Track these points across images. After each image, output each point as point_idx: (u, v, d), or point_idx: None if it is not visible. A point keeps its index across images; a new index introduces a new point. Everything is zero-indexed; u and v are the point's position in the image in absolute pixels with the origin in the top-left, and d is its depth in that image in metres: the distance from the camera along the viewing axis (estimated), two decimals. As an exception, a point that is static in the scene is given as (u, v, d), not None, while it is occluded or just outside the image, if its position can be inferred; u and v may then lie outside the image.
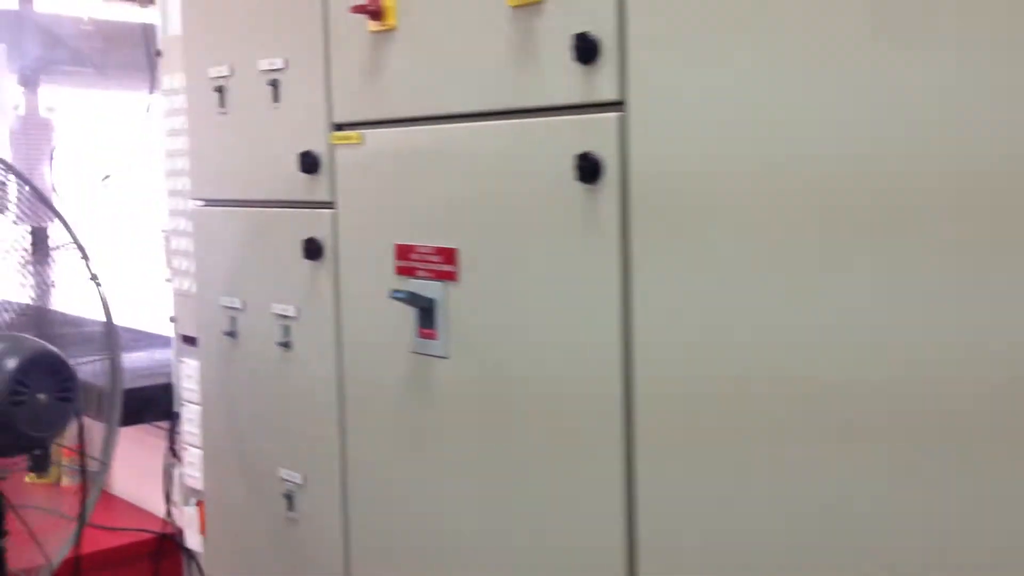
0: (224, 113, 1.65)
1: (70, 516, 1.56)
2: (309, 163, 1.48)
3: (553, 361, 1.18)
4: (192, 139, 1.74)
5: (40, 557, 1.59)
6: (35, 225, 1.85)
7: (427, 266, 1.33)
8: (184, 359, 2.24)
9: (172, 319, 2.27)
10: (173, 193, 2.18)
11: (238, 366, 1.67)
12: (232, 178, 1.65)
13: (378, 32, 1.36)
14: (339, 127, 1.45)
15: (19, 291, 1.70)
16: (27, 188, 1.72)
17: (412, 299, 1.32)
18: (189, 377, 2.24)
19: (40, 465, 1.26)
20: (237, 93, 1.62)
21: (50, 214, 1.68)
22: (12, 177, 1.57)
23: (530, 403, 1.21)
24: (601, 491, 1.13)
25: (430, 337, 1.33)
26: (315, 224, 1.50)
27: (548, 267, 1.17)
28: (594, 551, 1.14)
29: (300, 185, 1.51)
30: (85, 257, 1.63)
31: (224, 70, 1.63)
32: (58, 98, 3.91)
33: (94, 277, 1.63)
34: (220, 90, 1.64)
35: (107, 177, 2.92)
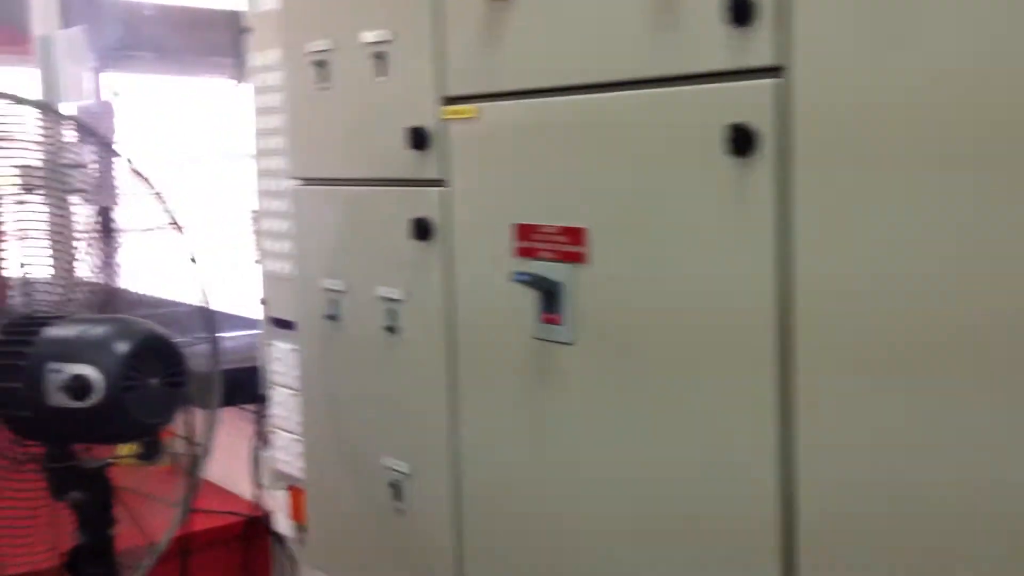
0: (325, 89, 1.58)
1: (173, 502, 1.53)
2: (418, 139, 1.41)
3: (689, 334, 1.10)
4: (290, 117, 1.68)
5: (142, 540, 1.56)
6: (115, 206, 1.82)
7: (551, 247, 1.25)
8: (274, 342, 2.21)
9: (262, 301, 2.23)
10: (264, 173, 2.13)
11: (340, 350, 1.62)
12: (333, 156, 1.59)
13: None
14: (451, 100, 1.38)
15: (107, 272, 1.66)
16: (117, 169, 1.69)
17: (536, 282, 1.24)
18: (279, 360, 2.21)
19: (150, 453, 1.22)
20: (339, 67, 1.55)
21: (144, 193, 1.64)
22: (111, 157, 1.53)
23: (665, 394, 1.13)
24: (756, 487, 1.04)
25: (554, 322, 1.25)
26: (424, 203, 1.43)
27: (692, 249, 1.08)
28: (746, 540, 1.06)
29: (408, 162, 1.44)
30: (183, 238, 1.58)
31: (325, 44, 1.57)
32: (123, 83, 3.91)
33: (192, 259, 1.58)
34: (321, 65, 1.58)
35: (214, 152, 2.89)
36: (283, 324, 2.16)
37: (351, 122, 1.54)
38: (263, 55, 2.10)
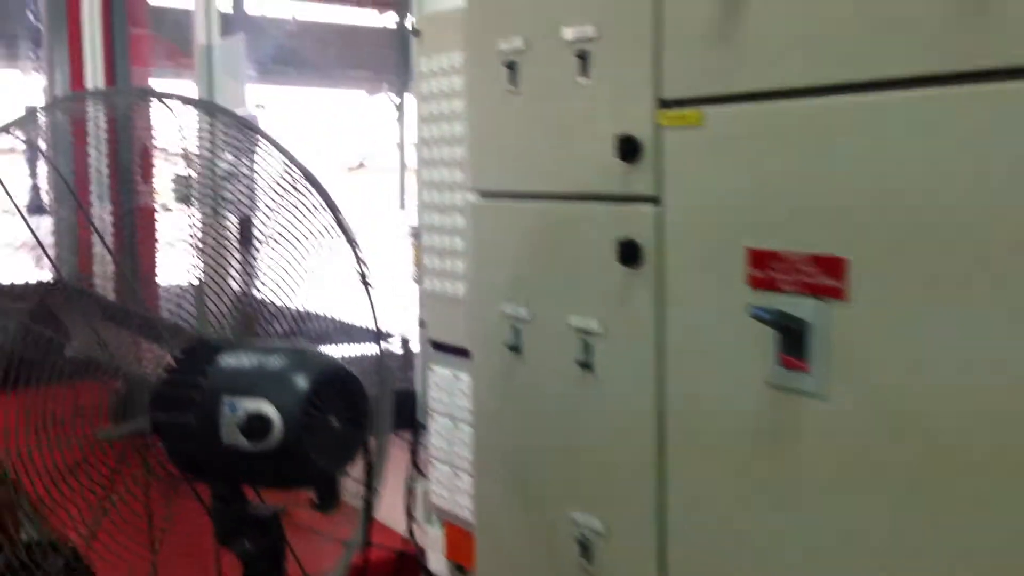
0: (515, 92, 1.42)
1: (342, 541, 1.40)
2: (629, 149, 1.23)
3: (991, 421, 0.87)
4: (472, 124, 1.53)
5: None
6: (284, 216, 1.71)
7: (797, 278, 1.05)
8: (434, 366, 2.07)
9: (422, 323, 2.10)
10: (427, 185, 2.00)
11: (522, 384, 1.45)
12: (523, 167, 1.43)
13: (734, -16, 1.09)
14: (669, 104, 1.19)
15: (266, 287, 1.55)
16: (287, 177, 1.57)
17: (780, 320, 1.04)
18: (438, 386, 2.07)
19: (327, 500, 1.08)
20: (533, 68, 1.39)
21: (315, 204, 1.52)
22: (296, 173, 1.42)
23: (951, 471, 0.91)
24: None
25: (799, 368, 1.04)
26: (632, 222, 1.24)
27: (1008, 295, 0.86)
28: None
29: (614, 176, 1.26)
30: (358, 253, 1.45)
31: (518, 43, 1.41)
32: (267, 95, 3.90)
33: (364, 276, 1.45)
34: (511, 66, 1.42)
35: (360, 165, 2.81)
36: (444, 348, 2.03)
37: (546, 130, 1.37)
38: (432, 60, 1.97)
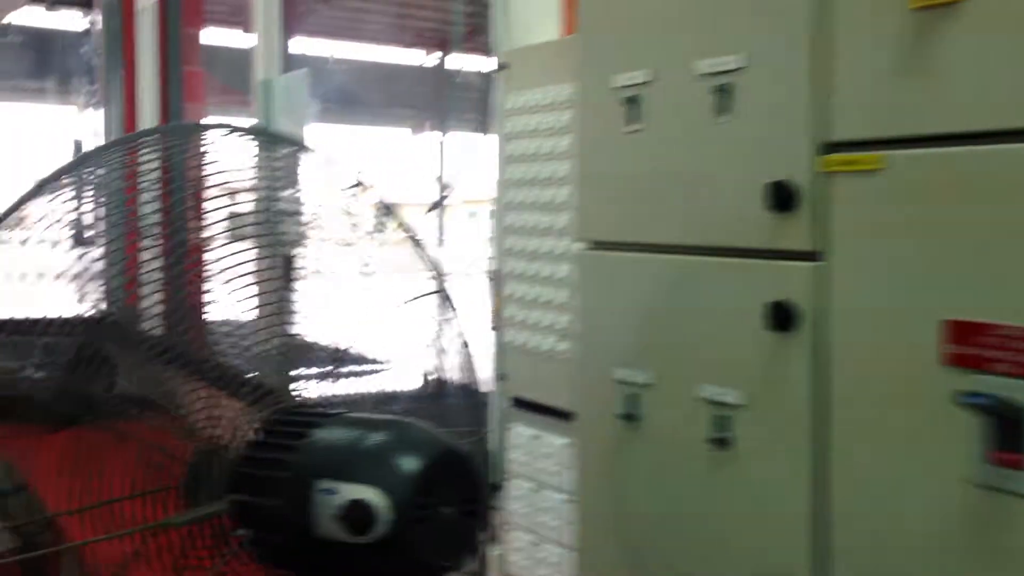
0: (636, 131, 1.25)
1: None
2: (781, 197, 1.05)
3: None
4: (582, 165, 1.36)
5: None
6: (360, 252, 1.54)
7: (1015, 357, 0.86)
8: (515, 425, 1.89)
9: (501, 376, 1.93)
10: (511, 230, 1.84)
11: (639, 458, 1.26)
12: (643, 215, 1.25)
13: (926, 7, 0.92)
14: (834, 147, 1.02)
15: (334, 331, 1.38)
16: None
17: (996, 407, 0.85)
18: (519, 447, 1.89)
19: (435, 603, 0.90)
20: (659, 104, 1.22)
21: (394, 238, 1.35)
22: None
23: None
24: None
25: (1015, 466, 0.86)
26: (785, 281, 1.06)
27: None
28: None
29: (761, 227, 1.08)
30: (451, 308, 1.28)
31: (640, 76, 1.24)
32: (319, 133, 3.79)
33: (462, 335, 1.28)
34: (632, 101, 1.25)
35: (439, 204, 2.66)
36: (526, 405, 1.85)
37: (674, 173, 1.20)
38: (519, 96, 1.81)
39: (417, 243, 1.29)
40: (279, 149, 1.14)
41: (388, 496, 0.88)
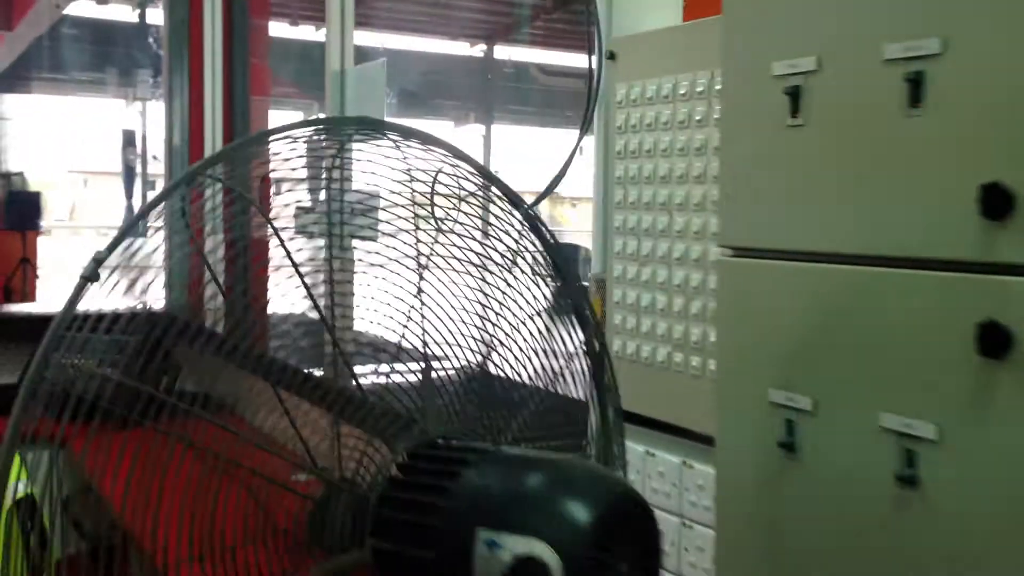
0: (797, 125, 1.11)
1: None
2: (996, 202, 0.90)
3: None
4: (729, 163, 1.22)
5: None
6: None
7: None
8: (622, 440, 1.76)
9: (607, 388, 1.79)
10: (620, 231, 1.70)
11: (798, 492, 1.12)
12: (808, 219, 1.11)
13: None
14: (1064, 145, 0.87)
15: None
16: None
17: None
18: (629, 465, 1.75)
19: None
20: (829, 96, 1.07)
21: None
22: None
23: None
24: None
25: None
26: (997, 299, 0.91)
27: None
28: None
29: (968, 236, 0.93)
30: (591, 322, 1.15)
31: (807, 63, 1.10)
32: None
33: (593, 343, 1.14)
34: (794, 93, 1.11)
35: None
36: (636, 419, 1.72)
37: (851, 174, 1.05)
38: (631, 87, 1.67)
39: (548, 240, 1.15)
40: (409, 142, 1.01)
41: (560, 551, 0.76)
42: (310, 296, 1.01)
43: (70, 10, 7.95)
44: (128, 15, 13.30)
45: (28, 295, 8.25)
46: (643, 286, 1.63)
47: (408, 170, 1.01)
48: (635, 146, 1.65)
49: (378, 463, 0.90)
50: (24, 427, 0.81)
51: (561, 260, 1.16)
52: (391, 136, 0.97)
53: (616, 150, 1.69)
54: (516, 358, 1.07)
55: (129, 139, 14.10)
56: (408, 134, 0.97)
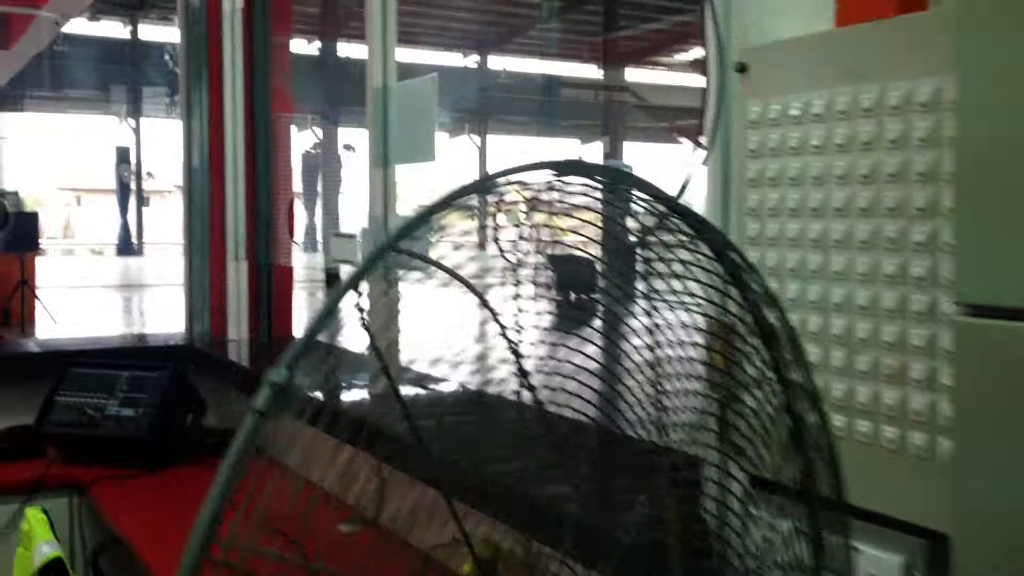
0: (1080, 155, 0.87)
1: None
2: None
3: None
4: (969, 195, 0.98)
5: None
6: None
7: None
8: (755, 510, 1.51)
9: (740, 451, 1.54)
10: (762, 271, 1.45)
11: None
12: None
13: None
14: None
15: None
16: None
17: None
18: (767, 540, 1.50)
19: None
20: None
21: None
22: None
23: None
24: None
25: None
26: None
27: None
28: None
29: None
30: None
31: (1096, 76, 0.85)
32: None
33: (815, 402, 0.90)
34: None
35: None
36: (769, 486, 1.46)
37: None
38: (766, 104, 1.43)
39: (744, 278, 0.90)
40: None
41: None
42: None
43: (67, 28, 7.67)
44: (120, 31, 12.92)
45: (27, 317, 7.93)
46: (822, 340, 1.36)
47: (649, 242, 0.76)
48: (775, 172, 1.40)
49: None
50: None
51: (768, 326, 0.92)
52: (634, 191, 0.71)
53: (748, 177, 1.44)
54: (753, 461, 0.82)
55: (123, 156, 13.76)
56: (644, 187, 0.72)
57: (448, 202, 0.62)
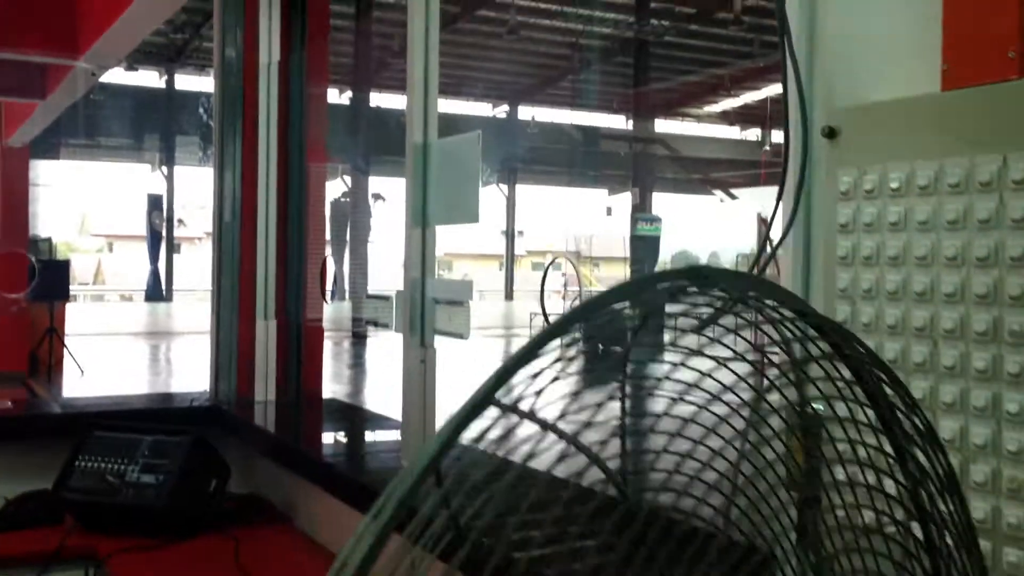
0: None
1: None
2: None
3: None
4: None
5: None
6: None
7: None
8: None
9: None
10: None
11: None
12: None
13: None
14: None
15: None
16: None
17: None
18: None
19: None
20: None
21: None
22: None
23: None
24: None
25: None
26: None
27: None
28: None
29: None
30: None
31: None
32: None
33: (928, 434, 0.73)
34: None
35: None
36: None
37: None
38: (862, 173, 1.28)
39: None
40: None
41: None
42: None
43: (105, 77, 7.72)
44: (155, 81, 13.09)
45: (54, 366, 7.87)
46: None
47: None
48: (870, 251, 1.24)
49: None
50: None
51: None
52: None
53: (839, 255, 1.29)
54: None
55: (155, 203, 13.84)
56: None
57: (551, 336, 0.47)
